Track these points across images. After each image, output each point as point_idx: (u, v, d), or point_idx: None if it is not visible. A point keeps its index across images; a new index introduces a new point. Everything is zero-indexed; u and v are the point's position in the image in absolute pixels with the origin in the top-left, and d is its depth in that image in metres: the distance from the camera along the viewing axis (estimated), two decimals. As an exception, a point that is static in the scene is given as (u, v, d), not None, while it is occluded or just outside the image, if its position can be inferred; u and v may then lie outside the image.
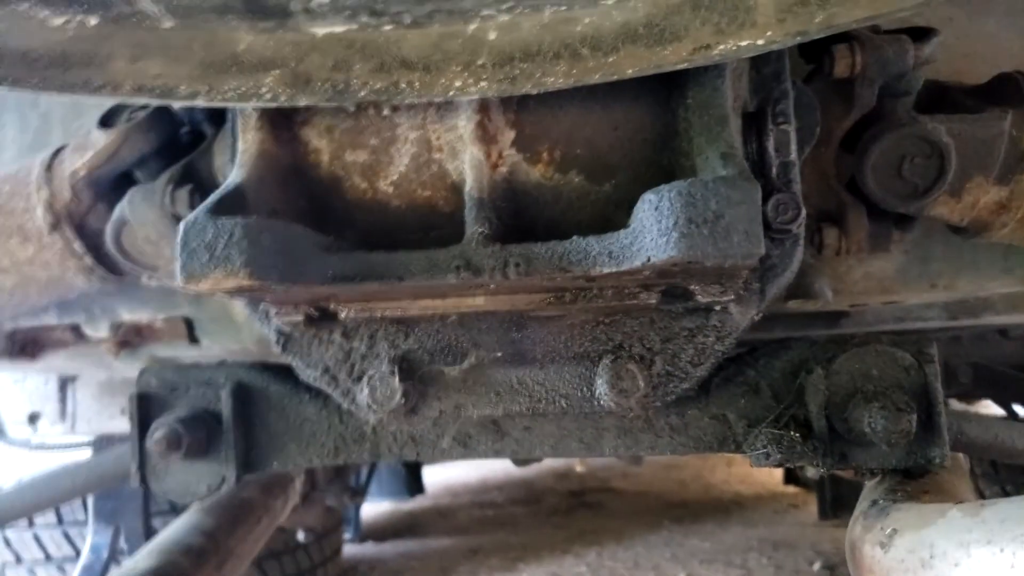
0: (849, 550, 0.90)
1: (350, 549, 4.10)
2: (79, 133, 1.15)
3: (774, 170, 0.88)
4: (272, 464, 1.11)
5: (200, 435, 1.07)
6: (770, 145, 0.87)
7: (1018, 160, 0.97)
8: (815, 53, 1.02)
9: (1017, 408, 2.11)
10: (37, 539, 2.59)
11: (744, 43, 0.70)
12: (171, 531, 1.20)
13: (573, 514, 4.80)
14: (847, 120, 1.03)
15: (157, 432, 1.04)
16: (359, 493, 3.19)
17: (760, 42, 0.70)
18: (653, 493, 5.31)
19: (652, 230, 0.67)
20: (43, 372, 1.99)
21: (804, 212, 0.91)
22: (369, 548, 4.24)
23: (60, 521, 2.59)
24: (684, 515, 4.60)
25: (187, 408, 1.11)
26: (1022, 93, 0.98)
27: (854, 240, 1.07)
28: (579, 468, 2.11)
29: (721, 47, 0.71)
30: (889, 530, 0.80)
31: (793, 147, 0.88)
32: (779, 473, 5.48)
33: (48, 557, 2.59)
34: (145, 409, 1.13)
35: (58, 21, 0.74)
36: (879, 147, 0.98)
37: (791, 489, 5.00)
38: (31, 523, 2.57)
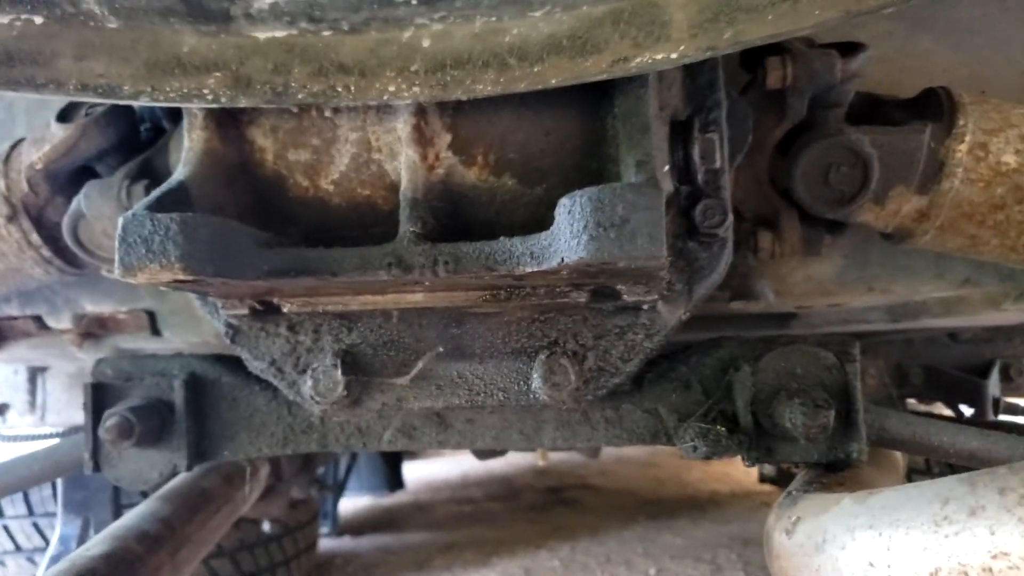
0: (764, 538, 0.95)
1: (327, 543, 4.14)
2: (38, 127, 1.18)
3: (700, 177, 0.93)
4: (223, 453, 1.15)
5: (153, 424, 1.11)
6: (695, 153, 0.91)
7: (936, 171, 1.01)
8: (753, 64, 1.06)
9: (965, 409, 2.17)
10: (7, 530, 2.61)
11: (659, 56, 0.74)
12: (127, 518, 1.24)
13: (550, 510, 4.85)
14: (779, 129, 1.07)
15: (109, 420, 1.08)
16: (327, 486, 3.24)
17: (674, 56, 0.74)
18: (630, 490, 5.37)
19: (566, 232, 0.71)
20: (8, 362, 2.01)
21: (731, 217, 0.95)
22: (346, 542, 4.28)
23: (30, 512, 2.62)
24: (659, 512, 4.66)
25: (141, 398, 1.15)
26: (943, 108, 1.03)
27: (787, 243, 1.11)
28: (541, 462, 2.14)
29: (638, 60, 0.75)
30: (794, 518, 0.84)
31: (719, 155, 0.92)
32: (755, 472, 5.55)
33: (18, 548, 2.62)
34: (100, 398, 1.16)
35: (4, 19, 0.76)
36: (807, 155, 1.03)
37: (766, 487, 5.07)
38: (0, 514, 2.59)
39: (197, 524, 1.33)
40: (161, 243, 0.71)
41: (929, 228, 1.07)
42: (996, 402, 2.14)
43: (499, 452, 2.83)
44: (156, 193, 0.77)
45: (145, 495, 2.65)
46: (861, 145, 1.01)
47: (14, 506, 2.58)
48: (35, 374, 2.23)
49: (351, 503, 5.10)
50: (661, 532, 4.21)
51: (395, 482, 5.54)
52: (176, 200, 0.78)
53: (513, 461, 6.68)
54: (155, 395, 1.15)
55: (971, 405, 2.14)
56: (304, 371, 0.98)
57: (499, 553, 3.90)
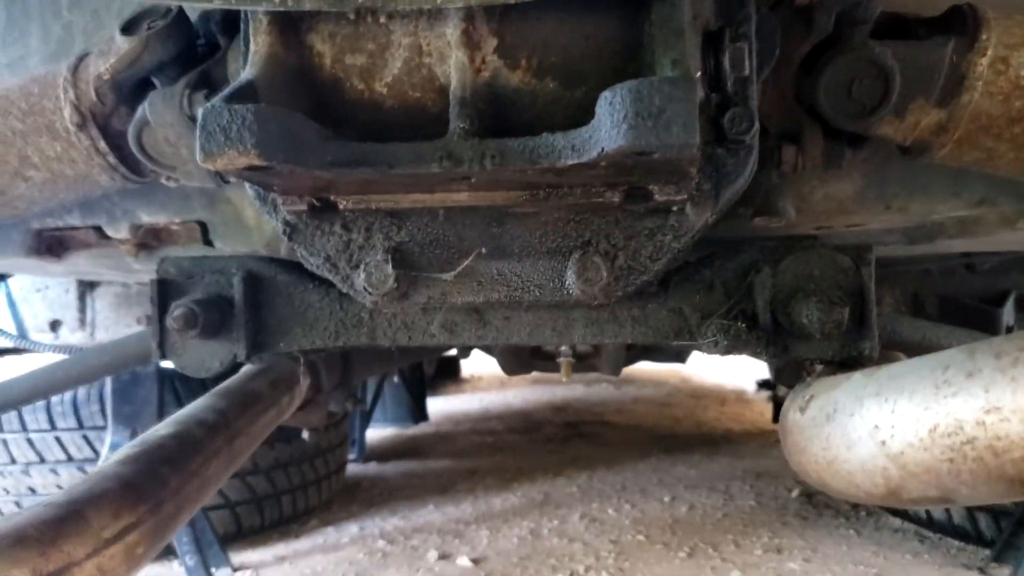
0: (780, 425, 1.03)
1: (354, 468, 4.31)
2: (102, 40, 1.24)
3: (730, 85, 0.98)
4: (279, 345, 1.24)
5: (214, 316, 1.20)
6: (726, 61, 0.96)
7: (956, 85, 1.06)
8: (783, -20, 1.11)
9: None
10: (59, 441, 2.76)
11: (693, -37, 0.80)
12: (187, 409, 1.33)
13: (568, 443, 5.00)
14: (806, 44, 1.11)
15: (176, 311, 1.17)
16: (361, 401, 3.35)
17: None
18: (646, 427, 5.50)
19: (606, 123, 0.78)
20: (66, 274, 2.11)
21: (757, 124, 1.01)
22: (372, 467, 4.45)
23: (80, 425, 2.77)
24: (674, 447, 4.79)
25: (202, 293, 1.24)
26: (967, 23, 1.07)
27: (810, 157, 1.17)
28: (563, 379, 2.23)
29: (677, -36, 0.80)
30: (808, 396, 0.92)
31: (748, 63, 0.97)
32: (768, 412, 5.66)
33: (70, 458, 2.77)
34: (164, 293, 1.25)
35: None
36: (831, 68, 1.08)
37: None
38: (53, 426, 2.74)
39: (248, 419, 1.43)
40: (238, 131, 0.78)
41: (947, 141, 1.11)
42: (1010, 331, 2.20)
43: (526, 367, 2.93)
44: (229, 89, 0.84)
45: (182, 404, 2.82)
46: (883, 58, 1.06)
47: (65, 419, 2.73)
48: (84, 292, 2.35)
49: (376, 433, 5.28)
50: (676, 464, 4.34)
51: (419, 414, 5.71)
52: (246, 96, 0.85)
53: (531, 398, 6.84)
54: (215, 291, 1.24)
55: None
56: (357, 266, 1.06)
57: (519, 480, 4.05)
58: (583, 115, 0.88)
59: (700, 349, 1.17)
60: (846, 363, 1.12)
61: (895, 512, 3.32)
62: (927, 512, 3.11)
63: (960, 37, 1.07)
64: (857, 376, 0.84)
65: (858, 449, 0.80)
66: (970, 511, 2.94)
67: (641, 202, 0.99)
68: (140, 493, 0.98)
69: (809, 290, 1.09)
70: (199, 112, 1.12)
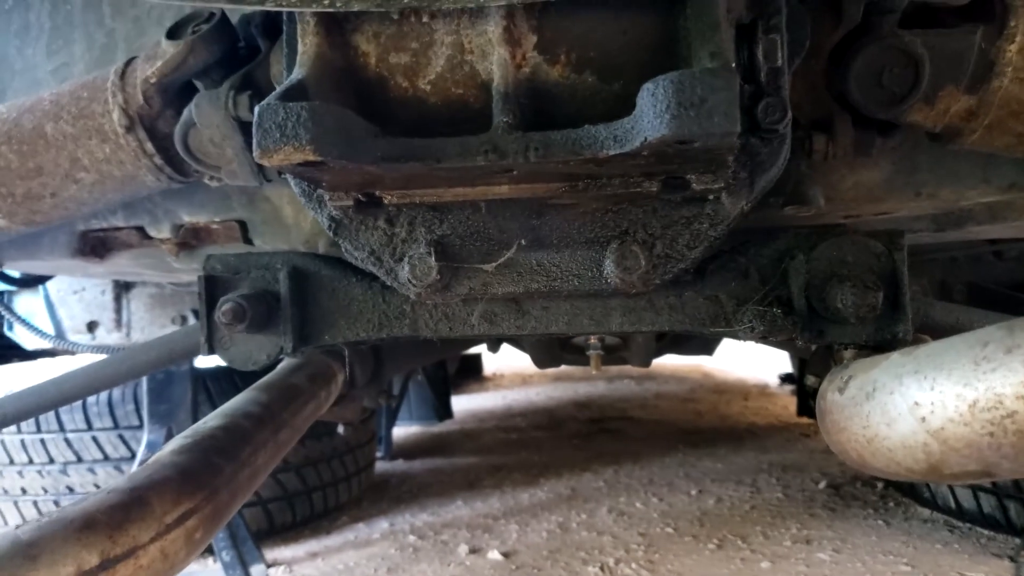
0: (818, 406, 1.05)
1: (382, 466, 4.36)
2: (149, 45, 1.29)
3: (763, 75, 1.00)
4: (324, 337, 1.28)
5: (261, 311, 1.23)
6: (759, 52, 0.98)
7: (986, 71, 1.08)
8: (811, -28, 1.13)
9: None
10: (95, 440, 2.82)
11: (728, -41, 0.82)
12: (232, 403, 1.37)
13: (593, 438, 5.02)
14: (836, 35, 1.13)
15: (224, 306, 1.20)
16: (393, 396, 3.40)
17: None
18: (670, 421, 5.51)
19: (649, 113, 0.80)
20: (107, 275, 2.16)
21: (790, 113, 1.03)
22: (400, 465, 4.49)
23: (116, 425, 2.83)
24: (699, 441, 4.80)
25: (249, 288, 1.27)
26: (995, 10, 1.08)
27: (840, 145, 1.19)
28: (594, 371, 2.25)
29: (712, -41, 0.82)
30: (847, 377, 0.94)
31: (780, 54, 0.99)
32: (792, 406, 5.65)
33: (106, 457, 2.83)
34: (212, 289, 1.29)
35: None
36: (862, 57, 1.10)
37: (804, 420, 5.17)
38: (90, 426, 2.80)
39: (291, 412, 1.47)
40: (294, 128, 0.81)
41: (977, 127, 1.13)
42: (1038, 317, 2.19)
43: (556, 360, 2.96)
44: (282, 88, 0.88)
45: (214, 403, 2.88)
46: (913, 47, 1.07)
47: (102, 419, 2.79)
48: (120, 293, 2.40)
49: (402, 431, 5.32)
50: (702, 458, 4.35)
51: (444, 412, 5.75)
52: (298, 95, 0.88)
53: (554, 395, 6.86)
54: (261, 286, 1.27)
55: (1014, 321, 2.20)
56: (401, 259, 1.10)
57: (546, 475, 4.08)
58: (621, 107, 0.91)
59: (737, 336, 1.19)
60: (880, 347, 1.14)
61: (924, 502, 3.31)
62: (956, 502, 3.11)
63: (988, 24, 1.08)
64: (895, 356, 0.86)
65: (898, 426, 0.82)
66: (1000, 501, 2.94)
67: (678, 191, 1.02)
68: (197, 481, 1.02)
69: (843, 275, 1.11)
70: (244, 113, 1.17)
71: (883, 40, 1.10)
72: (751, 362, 7.91)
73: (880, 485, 3.63)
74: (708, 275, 1.19)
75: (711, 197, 1.04)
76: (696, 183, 0.98)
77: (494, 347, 3.08)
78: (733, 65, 0.97)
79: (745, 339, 1.14)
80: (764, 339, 1.11)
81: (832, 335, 1.13)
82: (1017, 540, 2.86)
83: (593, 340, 2.46)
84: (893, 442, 0.84)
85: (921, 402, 0.79)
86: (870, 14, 1.13)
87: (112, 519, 0.86)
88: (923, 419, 0.79)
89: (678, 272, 1.08)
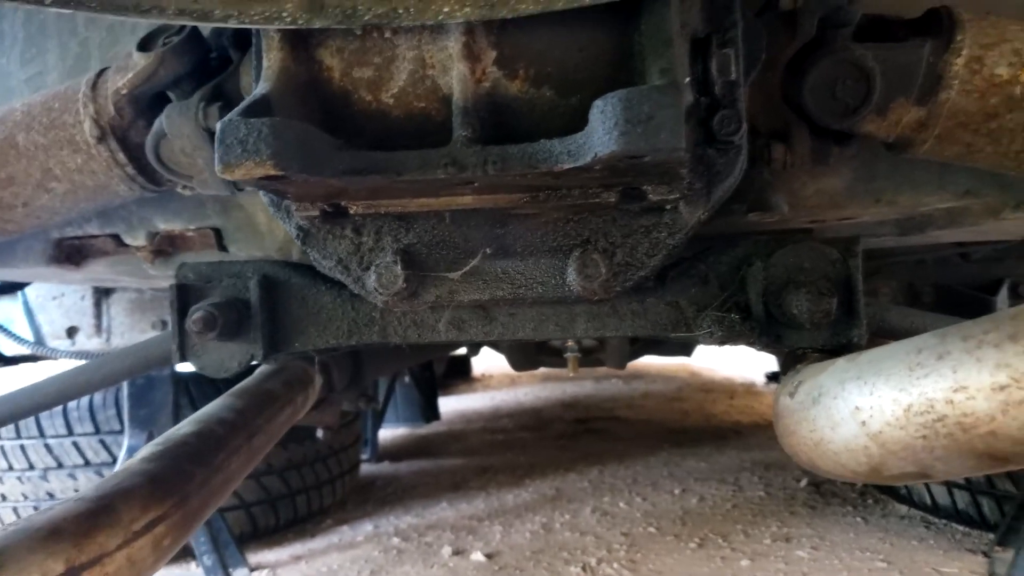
0: (773, 409, 1.08)
1: (367, 468, 4.38)
2: (120, 56, 1.30)
3: (718, 89, 1.03)
4: (294, 345, 1.30)
5: (232, 319, 1.25)
6: (713, 66, 1.01)
7: (934, 84, 1.11)
8: (768, -14, 1.16)
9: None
10: (76, 446, 2.83)
11: (675, -22, 0.85)
12: (206, 409, 1.39)
13: (578, 439, 5.05)
14: (791, 48, 1.16)
15: (195, 314, 1.23)
16: (373, 399, 3.41)
17: (687, -23, 0.84)
18: (656, 421, 5.55)
19: (599, 129, 0.83)
20: (84, 282, 2.18)
21: (745, 125, 1.06)
22: (385, 467, 4.51)
23: (97, 431, 2.84)
24: (684, 440, 4.84)
25: (220, 296, 1.29)
26: (943, 25, 1.12)
27: (798, 154, 1.22)
28: (570, 373, 2.28)
29: (660, -19, 0.85)
30: (797, 382, 0.97)
31: (734, 68, 1.02)
32: (777, 404, 5.69)
33: (87, 462, 2.84)
34: (184, 297, 1.31)
35: (113, -44, 0.88)
36: (816, 70, 1.13)
37: (787, 419, 5.21)
38: (71, 431, 2.81)
39: (265, 418, 1.48)
40: (255, 143, 0.84)
41: (928, 137, 1.16)
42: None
43: (533, 363, 3.00)
44: (245, 103, 0.90)
45: (196, 407, 2.90)
46: (865, 60, 1.11)
47: (82, 424, 2.80)
48: (100, 299, 2.41)
49: (389, 433, 5.34)
50: (686, 457, 4.39)
51: (430, 413, 5.77)
52: (261, 110, 0.91)
53: (542, 395, 6.89)
54: (232, 294, 1.30)
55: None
56: (368, 268, 1.12)
57: (531, 476, 4.11)
58: (578, 121, 0.94)
59: (697, 340, 1.22)
60: (837, 351, 1.17)
61: (901, 499, 3.36)
62: (932, 498, 3.16)
63: (937, 38, 1.12)
64: (840, 361, 0.89)
65: (842, 430, 0.85)
66: (974, 497, 2.99)
67: (636, 201, 1.05)
68: (167, 488, 1.04)
69: (799, 281, 1.15)
70: (215, 125, 1.19)
71: (836, 54, 1.13)
72: (738, 361, 7.96)
73: (859, 483, 3.68)
74: (669, 282, 1.22)
75: (668, 207, 1.07)
76: (653, 194, 1.01)
77: (474, 350, 3.10)
78: (688, 80, 1.00)
79: (706, 343, 1.17)
80: (723, 343, 1.14)
81: (789, 340, 1.16)
82: (991, 535, 2.91)
83: (570, 343, 2.49)
84: (837, 445, 0.87)
85: (862, 407, 0.82)
86: (825, 27, 1.16)
87: (78, 527, 0.88)
88: (863, 423, 0.82)
89: (639, 279, 1.11)
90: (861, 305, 1.14)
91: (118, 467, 2.62)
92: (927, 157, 1.21)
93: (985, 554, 2.80)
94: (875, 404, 0.80)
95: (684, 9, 1.02)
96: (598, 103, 0.84)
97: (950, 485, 3.07)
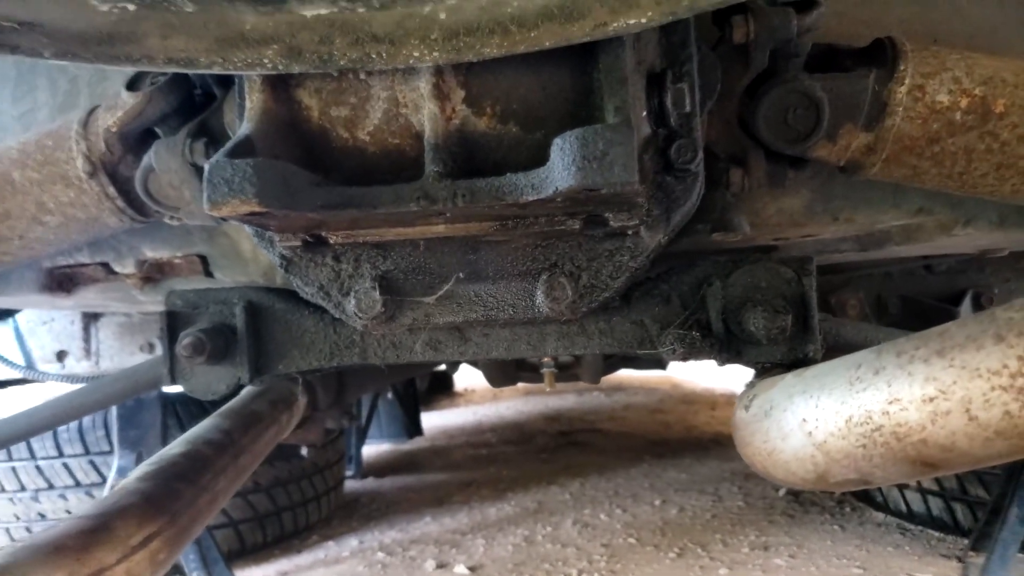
0: (732, 421, 1.14)
1: (352, 485, 4.41)
2: (109, 95, 1.36)
3: (674, 120, 1.10)
4: (279, 367, 1.36)
5: (219, 343, 1.31)
6: (668, 100, 1.08)
7: (880, 111, 1.19)
8: (723, 21, 1.23)
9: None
10: (67, 467, 2.86)
11: (631, 21, 0.91)
12: (194, 430, 1.44)
13: (560, 451, 5.10)
14: (745, 78, 1.24)
15: (185, 339, 1.28)
16: (356, 417, 3.46)
17: (643, 20, 0.91)
18: (638, 434, 5.60)
19: (559, 165, 0.89)
20: (75, 308, 2.22)
21: (700, 154, 1.13)
22: (370, 483, 4.54)
23: (87, 452, 2.87)
24: (665, 452, 4.89)
25: (207, 322, 1.35)
26: (887, 55, 1.19)
27: (755, 178, 1.29)
28: (548, 388, 2.34)
29: (615, 24, 0.92)
30: (751, 396, 1.04)
31: (688, 101, 1.09)
32: (758, 414, 5.76)
33: (77, 483, 2.87)
34: (173, 323, 1.36)
35: (104, 7, 0.94)
36: (768, 100, 1.20)
37: (768, 428, 5.27)
38: (61, 453, 2.84)
39: (251, 437, 1.54)
40: (240, 183, 0.90)
41: (876, 161, 1.24)
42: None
43: (511, 379, 3.06)
44: (230, 144, 0.96)
45: (184, 428, 2.95)
46: (813, 90, 1.18)
47: (72, 446, 2.83)
48: (88, 323, 2.45)
49: (372, 449, 5.37)
50: (667, 469, 4.45)
51: (414, 429, 5.81)
52: (245, 150, 0.97)
53: (524, 409, 6.94)
54: (219, 320, 1.35)
55: (946, 331, 2.32)
56: (348, 293, 1.18)
57: (513, 489, 4.16)
58: (543, 154, 1.00)
59: (661, 356, 1.29)
60: (794, 365, 1.24)
61: (878, 506, 3.43)
62: (907, 505, 3.23)
63: (881, 68, 1.19)
64: (789, 376, 0.95)
65: (791, 440, 0.92)
66: (948, 503, 3.06)
67: (599, 228, 1.11)
68: (159, 506, 1.09)
69: (756, 300, 1.22)
70: (201, 159, 1.25)
71: (787, 83, 1.20)
72: (720, 372, 8.04)
73: (837, 491, 3.75)
74: (633, 301, 1.29)
75: (630, 232, 1.13)
76: (614, 220, 1.08)
77: (453, 366, 3.15)
78: (644, 113, 1.07)
79: (669, 359, 1.23)
80: (686, 359, 1.21)
81: (748, 355, 1.23)
82: (965, 541, 2.98)
83: (546, 359, 2.55)
84: (787, 455, 0.93)
85: (808, 418, 0.89)
86: (776, 58, 1.23)
87: (80, 543, 0.93)
88: (810, 434, 0.89)
89: (604, 300, 1.17)
90: (815, 321, 1.21)
91: (107, 487, 2.65)
92: (877, 179, 1.29)
93: (959, 559, 2.87)
94: (820, 416, 0.87)
95: (640, 47, 1.09)
96: (557, 141, 0.90)
97: (925, 492, 3.14)
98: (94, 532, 0.96)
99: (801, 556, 3.00)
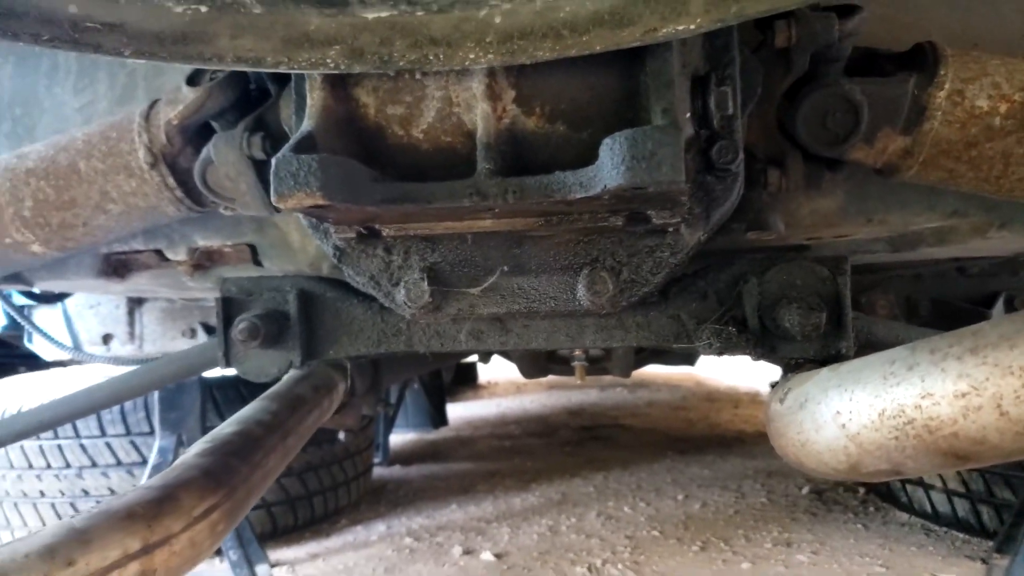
0: (765, 413, 1.18)
1: (379, 471, 4.48)
2: (167, 89, 1.42)
3: (716, 122, 1.14)
4: (329, 352, 1.42)
5: (273, 328, 1.37)
6: (711, 102, 1.12)
7: (918, 115, 1.21)
8: (765, 26, 1.27)
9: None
10: (109, 446, 2.95)
11: (680, 27, 0.95)
12: (244, 411, 1.50)
13: (584, 445, 5.14)
14: (786, 82, 1.27)
15: (241, 324, 1.34)
16: (389, 404, 3.53)
17: (692, 27, 0.95)
18: (660, 429, 5.63)
19: (608, 164, 0.94)
20: (127, 293, 2.29)
21: (741, 155, 1.17)
22: (396, 471, 4.62)
23: (128, 432, 2.96)
24: (688, 448, 4.92)
25: (261, 308, 1.41)
26: (927, 60, 1.22)
27: (792, 179, 1.33)
28: (578, 380, 2.38)
29: (664, 30, 0.96)
30: (786, 389, 1.08)
31: (731, 103, 1.13)
32: (782, 413, 5.76)
33: (119, 462, 2.97)
34: (228, 308, 1.43)
35: (178, 8, 1.00)
36: (807, 103, 1.23)
37: (792, 427, 5.28)
38: (104, 432, 2.93)
39: (296, 419, 1.60)
40: (305, 177, 0.95)
41: (913, 164, 1.27)
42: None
43: (543, 371, 3.13)
44: (294, 140, 1.01)
45: (223, 417, 3.02)
46: (853, 94, 1.21)
47: (114, 426, 2.92)
48: (133, 308, 2.53)
49: (399, 438, 5.45)
50: (690, 465, 4.48)
51: (439, 419, 5.88)
52: (307, 146, 1.02)
53: (548, 403, 6.99)
54: (272, 307, 1.41)
55: (976, 334, 2.33)
56: (397, 283, 1.23)
57: (538, 480, 4.21)
58: (589, 154, 1.04)
59: (697, 351, 1.33)
60: (826, 361, 1.27)
61: (902, 506, 3.44)
62: (932, 506, 3.24)
63: (921, 72, 1.22)
64: (824, 371, 0.99)
65: (824, 432, 0.96)
66: (974, 505, 3.07)
67: (641, 224, 1.15)
68: (218, 479, 1.15)
69: (791, 297, 1.25)
70: (257, 153, 1.30)
71: (827, 87, 1.23)
72: (743, 370, 8.04)
73: (861, 491, 3.76)
74: (671, 297, 1.33)
75: (671, 229, 1.17)
76: (656, 218, 1.12)
77: (485, 358, 3.22)
78: (688, 115, 1.11)
79: (705, 353, 1.27)
80: (721, 354, 1.25)
81: (782, 351, 1.27)
82: (990, 543, 2.98)
83: (577, 352, 2.60)
84: (821, 446, 0.97)
85: (842, 411, 0.93)
86: (817, 62, 1.26)
87: (149, 511, 1.00)
88: (843, 426, 0.93)
89: (643, 295, 1.21)
90: (849, 319, 1.24)
91: (148, 468, 2.74)
92: (913, 181, 1.32)
93: (984, 561, 2.88)
94: (854, 409, 0.91)
95: (686, 50, 1.13)
96: (607, 141, 0.95)
97: (950, 493, 3.15)
98: (161, 501, 1.02)
99: (824, 553, 3.02)
